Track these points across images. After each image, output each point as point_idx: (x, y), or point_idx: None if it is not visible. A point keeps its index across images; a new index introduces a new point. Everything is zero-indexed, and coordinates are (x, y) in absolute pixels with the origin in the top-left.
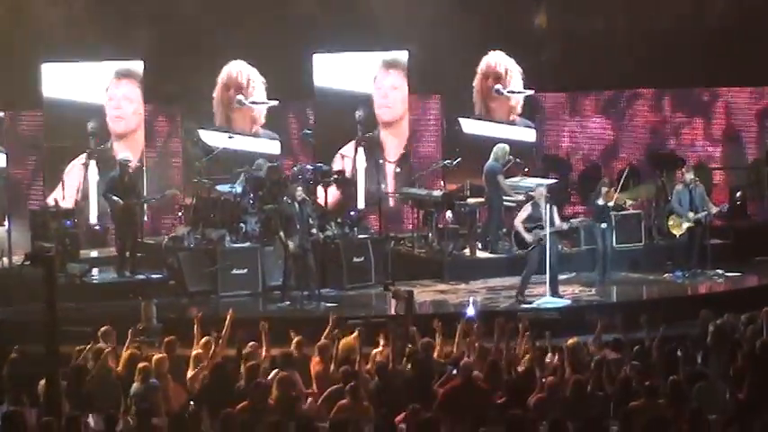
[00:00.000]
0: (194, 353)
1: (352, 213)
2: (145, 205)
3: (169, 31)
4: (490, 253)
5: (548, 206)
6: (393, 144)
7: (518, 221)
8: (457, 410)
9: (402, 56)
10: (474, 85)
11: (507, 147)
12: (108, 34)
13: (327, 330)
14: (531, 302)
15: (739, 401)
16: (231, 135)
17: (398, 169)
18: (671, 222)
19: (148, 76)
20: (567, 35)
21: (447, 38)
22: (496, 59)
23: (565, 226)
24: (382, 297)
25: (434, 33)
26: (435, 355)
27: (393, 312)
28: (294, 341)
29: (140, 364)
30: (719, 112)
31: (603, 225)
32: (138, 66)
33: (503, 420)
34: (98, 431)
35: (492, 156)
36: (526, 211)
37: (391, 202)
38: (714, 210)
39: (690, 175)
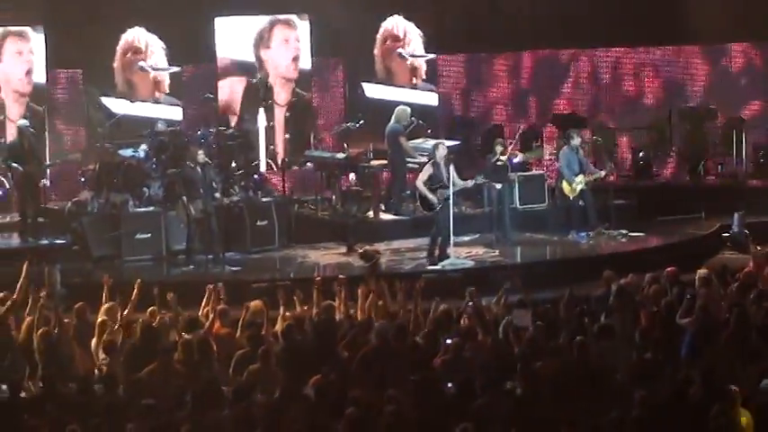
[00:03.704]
0: (99, 319)
1: (255, 176)
2: (47, 171)
3: None
4: (394, 215)
5: (450, 167)
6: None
7: (420, 183)
8: (370, 373)
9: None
10: (374, 50)
11: (408, 109)
12: None
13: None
14: (435, 264)
15: (643, 361)
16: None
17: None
18: (564, 185)
19: (49, 41)
20: None
21: (348, 1)
22: (394, 23)
23: (470, 183)
24: (287, 260)
25: None
26: (338, 316)
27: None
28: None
29: (41, 329)
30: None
31: (498, 186)
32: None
33: (410, 383)
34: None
35: (393, 118)
36: (427, 172)
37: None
38: (600, 173)
39: (578, 140)
